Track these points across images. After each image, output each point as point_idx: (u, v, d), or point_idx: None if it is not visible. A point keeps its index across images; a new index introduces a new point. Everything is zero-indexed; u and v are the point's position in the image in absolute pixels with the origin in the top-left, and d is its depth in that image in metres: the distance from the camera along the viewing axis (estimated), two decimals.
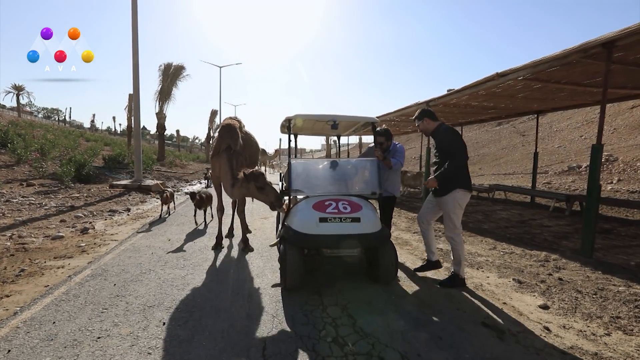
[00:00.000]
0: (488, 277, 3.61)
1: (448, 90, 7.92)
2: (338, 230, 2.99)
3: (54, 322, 2.50)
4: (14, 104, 45.69)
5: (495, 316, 2.69)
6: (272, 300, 2.92)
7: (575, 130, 22.82)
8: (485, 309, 2.82)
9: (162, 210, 6.92)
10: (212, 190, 6.31)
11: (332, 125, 3.58)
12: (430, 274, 3.68)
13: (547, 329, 2.50)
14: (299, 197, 3.46)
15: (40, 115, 60.25)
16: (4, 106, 48.35)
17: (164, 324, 2.50)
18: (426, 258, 3.73)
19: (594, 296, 3.08)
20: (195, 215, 6.30)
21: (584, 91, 6.47)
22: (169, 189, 6.91)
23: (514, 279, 3.50)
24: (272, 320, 2.58)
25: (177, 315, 2.62)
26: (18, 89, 45.11)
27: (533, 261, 4.16)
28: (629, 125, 18.03)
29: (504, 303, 2.95)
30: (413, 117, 3.65)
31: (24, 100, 47.78)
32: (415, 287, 3.30)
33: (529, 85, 6.13)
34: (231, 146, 3.94)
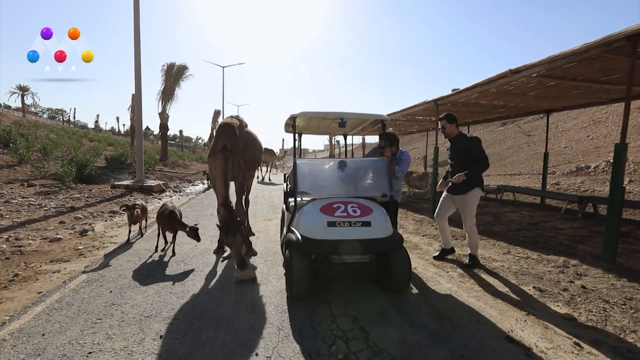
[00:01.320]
0: (506, 284, 3.40)
1: (453, 90, 7.69)
2: (347, 235, 2.80)
3: (43, 334, 2.33)
4: (20, 105, 45.98)
5: (519, 329, 2.48)
6: (277, 311, 2.73)
7: (582, 130, 22.46)
8: (508, 320, 2.61)
9: (129, 232, 4.91)
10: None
11: (339, 123, 3.37)
12: (444, 280, 3.47)
13: (578, 344, 2.29)
14: (305, 199, 3.26)
15: (45, 116, 60.60)
16: (9, 107, 48.64)
17: (161, 337, 2.31)
18: (442, 247, 4.29)
19: (623, 307, 2.85)
20: (158, 237, 4.51)
21: (599, 89, 6.22)
22: (139, 202, 4.90)
23: (534, 287, 3.28)
24: (278, 333, 2.39)
25: (175, 327, 2.44)
26: (23, 90, 45.37)
27: (551, 267, 3.94)
28: (637, 125, 17.67)
29: (527, 314, 2.73)
30: (440, 117, 3.94)
31: (28, 101, 48.08)
32: (429, 296, 3.10)
33: (543, 82, 5.89)
34: (227, 146, 3.75)
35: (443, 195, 4.08)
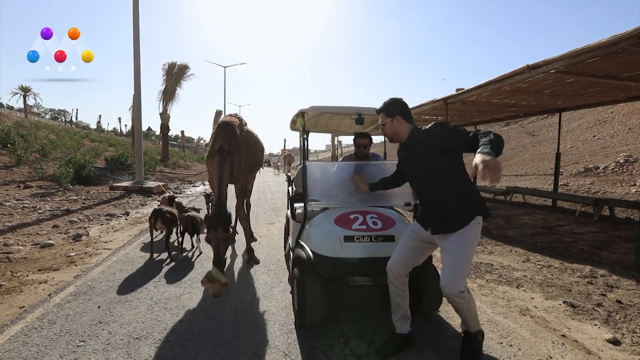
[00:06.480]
0: (533, 298, 3.10)
1: (457, 90, 7.39)
2: (368, 253, 2.36)
3: None
4: (23, 106, 46.06)
5: (558, 355, 2.18)
6: (282, 331, 2.44)
7: (588, 131, 22.05)
8: (543, 344, 2.32)
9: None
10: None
11: (356, 120, 2.87)
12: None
13: None
14: (315, 208, 2.79)
15: (47, 117, 60.68)
16: (11, 107, 48.70)
17: None
18: (396, 331, 2.22)
19: None
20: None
21: (619, 86, 5.91)
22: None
23: (564, 302, 2.98)
24: None
25: (167, 352, 2.15)
26: (25, 91, 45.39)
27: (577, 277, 3.63)
28: None
29: (563, 335, 2.43)
30: (378, 110, 2.22)
31: (31, 102, 48.13)
32: (450, 312, 2.78)
33: (560, 79, 5.59)
34: (224, 147, 3.48)
35: (407, 232, 2.22)
